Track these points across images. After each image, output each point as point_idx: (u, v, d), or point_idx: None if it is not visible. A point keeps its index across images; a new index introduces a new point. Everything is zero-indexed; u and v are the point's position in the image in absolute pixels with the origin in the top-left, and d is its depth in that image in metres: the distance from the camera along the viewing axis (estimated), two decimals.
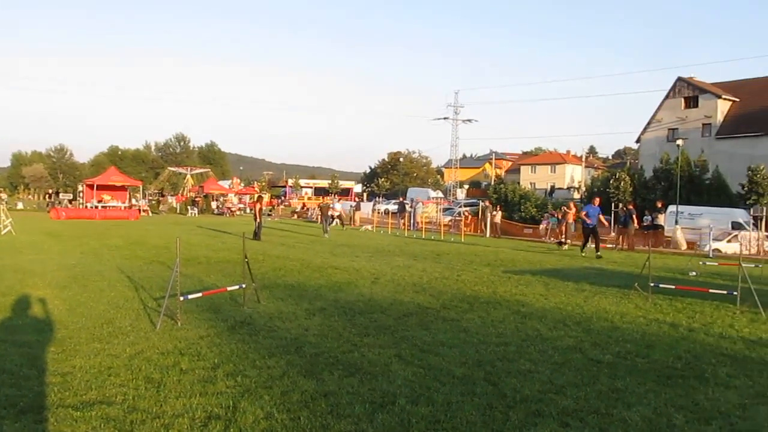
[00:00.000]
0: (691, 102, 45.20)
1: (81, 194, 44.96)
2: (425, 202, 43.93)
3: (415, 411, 3.90)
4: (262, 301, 7.75)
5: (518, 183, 50.41)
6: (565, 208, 24.91)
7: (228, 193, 56.39)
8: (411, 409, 3.93)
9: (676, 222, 25.27)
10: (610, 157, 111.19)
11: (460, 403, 4.09)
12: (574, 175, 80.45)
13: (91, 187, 42.35)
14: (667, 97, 46.61)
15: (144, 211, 42.58)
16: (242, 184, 69.36)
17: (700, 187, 32.66)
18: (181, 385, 4.37)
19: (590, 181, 53.78)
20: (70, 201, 47.86)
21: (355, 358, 5.16)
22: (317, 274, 10.87)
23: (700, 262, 13.65)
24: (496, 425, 3.71)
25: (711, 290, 8.63)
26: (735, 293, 8.00)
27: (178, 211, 47.14)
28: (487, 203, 31.82)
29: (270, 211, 46.60)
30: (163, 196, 55.27)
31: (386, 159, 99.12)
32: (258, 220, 20.42)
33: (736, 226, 24.59)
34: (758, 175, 30.54)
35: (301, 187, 74.80)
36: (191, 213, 45.05)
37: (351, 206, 38.60)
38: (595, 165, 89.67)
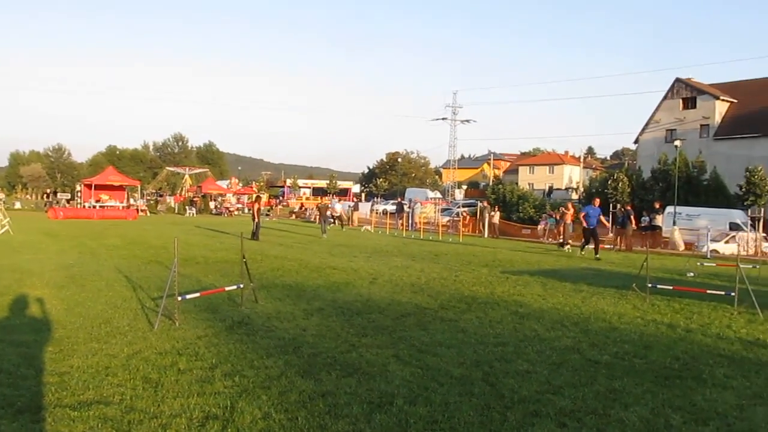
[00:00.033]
0: (689, 103, 45.30)
1: (79, 194, 44.94)
2: (423, 202, 43.96)
3: (412, 411, 3.90)
4: (260, 301, 7.74)
5: (516, 183, 50.47)
6: (563, 208, 24.95)
7: (226, 193, 56.37)
8: (409, 410, 3.93)
9: (674, 223, 25.32)
10: (608, 158, 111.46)
11: (458, 403, 4.09)
12: (572, 176, 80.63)
13: (89, 186, 42.33)
14: (665, 98, 46.70)
15: (142, 211, 42.57)
16: (240, 184, 69.35)
17: (698, 188, 32.73)
18: (178, 385, 4.37)
19: (588, 181, 53.87)
20: (68, 201, 47.80)
21: (352, 359, 5.16)
22: (315, 275, 10.87)
23: (698, 263, 13.67)
24: (493, 426, 3.72)
25: (708, 291, 8.64)
26: (732, 294, 8.01)
27: (176, 211, 47.09)
28: (486, 204, 31.83)
29: (268, 211, 46.57)
30: (161, 196, 55.26)
31: (384, 159, 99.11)
32: (256, 220, 20.41)
33: (734, 227, 24.62)
34: (756, 176, 30.58)
35: (300, 187, 74.79)
36: (189, 213, 45.00)
37: (349, 206, 38.64)
38: (594, 166, 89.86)
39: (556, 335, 6.28)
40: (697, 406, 4.14)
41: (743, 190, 31.16)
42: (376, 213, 40.56)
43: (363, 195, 77.87)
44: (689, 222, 26.03)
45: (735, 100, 43.76)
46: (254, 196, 37.99)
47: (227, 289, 7.96)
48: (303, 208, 50.99)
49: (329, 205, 28.82)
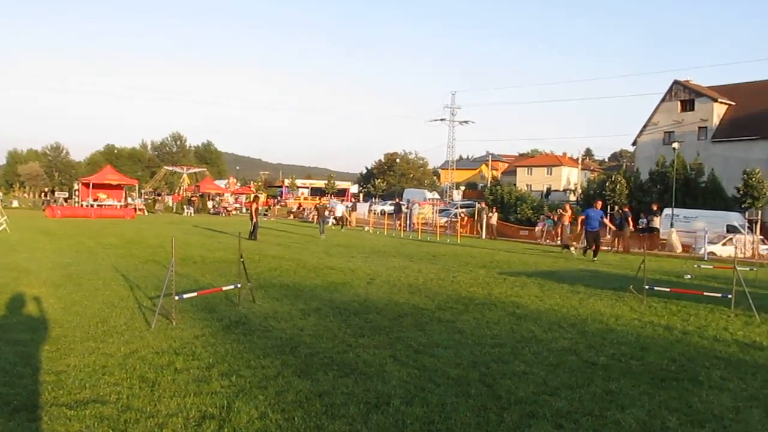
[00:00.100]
0: (687, 105, 45.34)
1: (77, 193, 44.85)
2: (421, 203, 44.02)
3: (409, 412, 3.91)
4: (257, 301, 7.74)
5: (514, 185, 50.55)
6: (561, 210, 24.99)
7: (224, 192, 56.38)
8: (405, 410, 3.93)
9: (672, 225, 25.37)
10: (607, 160, 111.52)
11: (455, 404, 4.09)
12: (570, 178, 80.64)
13: (86, 185, 42.26)
14: (663, 100, 46.75)
15: (140, 210, 42.53)
16: (238, 184, 69.37)
17: (696, 191, 32.81)
18: (175, 385, 4.36)
19: (586, 183, 53.88)
20: (65, 199, 47.80)
21: (350, 359, 5.16)
22: (313, 275, 10.86)
23: (695, 265, 13.70)
24: (490, 427, 3.72)
25: (705, 293, 8.66)
26: (729, 296, 8.01)
27: (174, 211, 47.07)
28: (484, 205, 31.86)
29: (266, 211, 46.57)
30: (159, 195, 55.20)
31: (383, 160, 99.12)
32: (254, 219, 20.40)
33: (731, 229, 24.71)
34: (753, 179, 30.66)
35: (298, 187, 74.76)
36: (187, 212, 44.98)
37: (347, 207, 38.65)
38: (592, 167, 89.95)
39: (553, 336, 6.28)
40: (694, 408, 4.15)
41: (741, 192, 31.23)
42: (374, 213, 40.57)
43: (361, 195, 77.88)
44: (687, 224, 26.10)
45: (733, 103, 43.83)
46: (252, 195, 37.96)
47: (224, 288, 7.95)
48: (301, 208, 51.00)
49: (329, 206, 28.79)
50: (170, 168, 64.02)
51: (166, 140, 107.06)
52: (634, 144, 49.62)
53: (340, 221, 31.73)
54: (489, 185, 50.54)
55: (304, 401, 4.07)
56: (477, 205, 32.70)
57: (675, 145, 31.82)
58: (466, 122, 74.76)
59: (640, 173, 39.66)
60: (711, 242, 21.51)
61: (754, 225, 26.08)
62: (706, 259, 18.92)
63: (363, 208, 47.64)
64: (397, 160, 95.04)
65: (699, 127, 44.23)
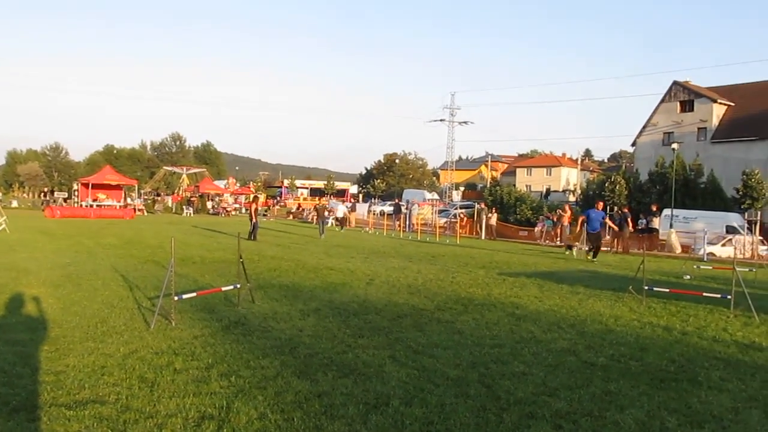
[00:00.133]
0: (687, 106, 45.37)
1: (76, 193, 44.82)
2: (421, 203, 44.01)
3: (408, 412, 3.91)
4: (256, 302, 7.74)
5: (514, 185, 50.63)
6: (561, 210, 25.02)
7: (223, 193, 56.31)
8: (404, 411, 3.93)
9: (671, 225, 25.39)
10: (606, 161, 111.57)
11: (454, 404, 4.10)
12: (570, 178, 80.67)
13: (86, 185, 42.23)
14: (662, 101, 46.78)
15: (139, 210, 42.50)
16: (238, 184, 69.29)
17: (695, 191, 32.83)
18: (174, 385, 4.36)
19: (586, 184, 53.90)
20: (65, 199, 47.72)
21: (349, 359, 5.16)
22: (312, 275, 10.86)
23: (695, 266, 13.71)
24: (489, 427, 3.72)
25: (705, 294, 8.67)
26: (729, 297, 8.02)
27: (173, 211, 47.04)
28: (483, 205, 31.90)
29: (266, 211, 46.56)
30: (158, 195, 55.17)
31: (382, 160, 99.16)
32: (253, 220, 20.40)
33: (731, 230, 24.73)
34: (753, 180, 30.69)
35: (297, 187, 74.75)
36: (186, 213, 44.94)
37: (347, 207, 38.62)
38: (591, 168, 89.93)
39: (552, 337, 6.28)
40: (693, 409, 4.15)
41: (740, 193, 31.27)
42: (374, 214, 40.56)
43: (361, 196, 77.86)
44: (686, 225, 26.12)
45: (732, 104, 43.86)
46: (251, 196, 37.95)
47: (224, 289, 7.95)
48: (300, 209, 51.00)
49: (329, 206, 28.78)
50: (170, 168, 64.01)
51: (166, 140, 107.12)
52: (633, 145, 49.65)
53: (341, 222, 31.72)
54: (488, 186, 50.60)
55: (303, 402, 4.07)
56: (476, 206, 32.72)
57: (674, 145, 31.85)
58: (465, 123, 75.04)
59: (640, 174, 39.69)
60: (710, 243, 21.53)
61: (753, 226, 26.11)
62: (705, 259, 18.93)
63: (362, 208, 47.61)
64: (397, 161, 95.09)
65: (698, 128, 44.25)
